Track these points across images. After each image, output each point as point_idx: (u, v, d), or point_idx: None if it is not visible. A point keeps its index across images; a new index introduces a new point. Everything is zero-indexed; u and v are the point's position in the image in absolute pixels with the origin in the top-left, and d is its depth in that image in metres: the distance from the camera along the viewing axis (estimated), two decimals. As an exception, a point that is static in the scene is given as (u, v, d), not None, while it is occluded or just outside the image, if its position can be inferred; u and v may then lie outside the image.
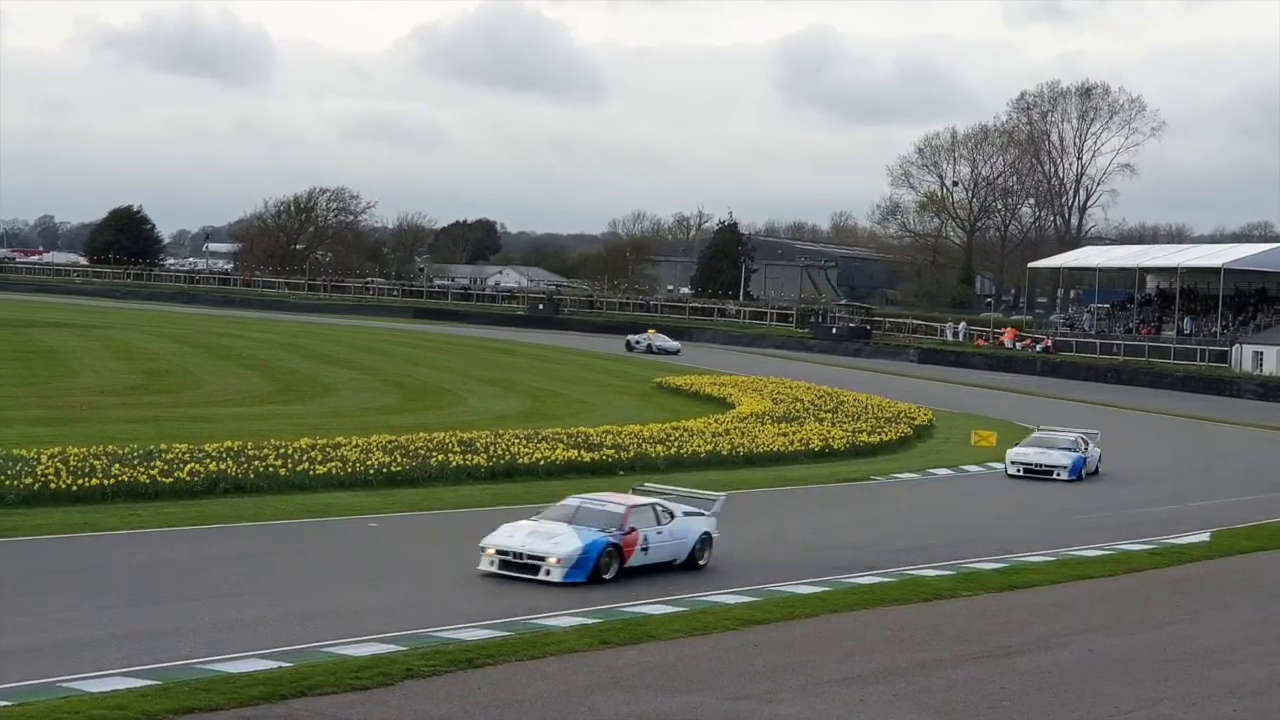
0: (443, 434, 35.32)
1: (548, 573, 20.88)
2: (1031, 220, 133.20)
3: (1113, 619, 21.73)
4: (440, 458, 32.09)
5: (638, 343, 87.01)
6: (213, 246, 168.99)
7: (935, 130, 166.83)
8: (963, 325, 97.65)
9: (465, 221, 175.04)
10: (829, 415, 47.81)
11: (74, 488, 25.43)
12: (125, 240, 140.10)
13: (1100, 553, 27.52)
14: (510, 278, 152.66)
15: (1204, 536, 30.14)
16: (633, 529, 21.80)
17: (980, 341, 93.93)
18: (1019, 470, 39.07)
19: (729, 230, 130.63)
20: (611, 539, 21.46)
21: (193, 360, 60.58)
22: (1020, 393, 69.18)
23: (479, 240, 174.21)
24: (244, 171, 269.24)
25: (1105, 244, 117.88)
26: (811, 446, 40.69)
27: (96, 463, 27.07)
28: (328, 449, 31.58)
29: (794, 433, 42.23)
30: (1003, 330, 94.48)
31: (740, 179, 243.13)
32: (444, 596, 20.09)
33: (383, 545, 23.91)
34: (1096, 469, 40.30)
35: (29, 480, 25.23)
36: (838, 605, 21.00)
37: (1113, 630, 20.88)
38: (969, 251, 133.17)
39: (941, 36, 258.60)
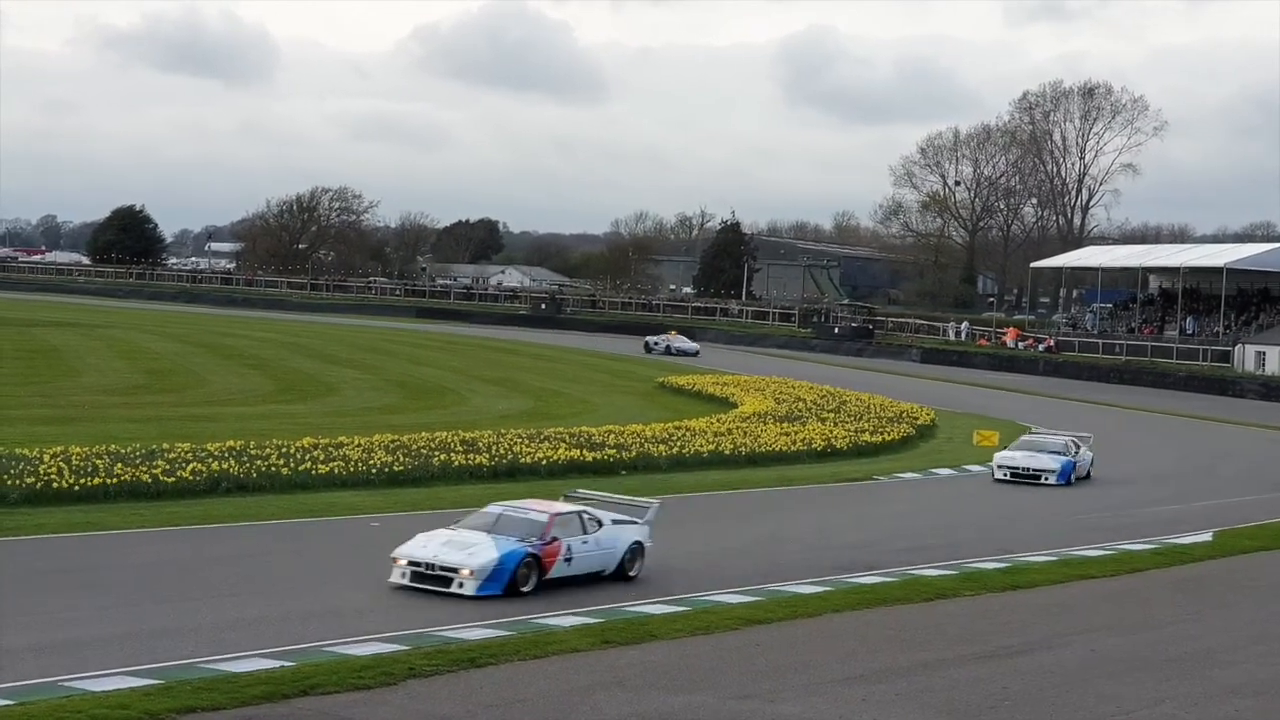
0: (445, 434, 35.32)
1: (460, 585, 19.71)
2: (1034, 220, 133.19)
3: (1115, 619, 21.73)
4: (443, 457, 32.09)
5: (657, 344, 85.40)
6: (215, 246, 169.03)
7: (937, 130, 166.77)
8: (965, 325, 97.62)
9: (468, 221, 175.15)
10: (831, 415, 47.80)
11: (76, 487, 25.44)
12: (128, 240, 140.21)
13: (1102, 552, 27.51)
14: (513, 277, 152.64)
15: (1206, 536, 30.12)
16: (555, 538, 20.64)
17: (983, 341, 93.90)
18: (1005, 474, 37.78)
19: (731, 230, 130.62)
20: (531, 549, 20.24)
21: (195, 360, 60.61)
22: (1023, 393, 69.16)
23: (481, 240, 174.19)
24: (246, 171, 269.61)
25: (1108, 244, 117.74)
26: (814, 446, 40.68)
27: (99, 462, 27.08)
28: (330, 448, 31.59)
29: (796, 432, 42.22)
30: (1005, 330, 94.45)
31: (742, 179, 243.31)
32: (445, 596, 20.07)
33: (384, 545, 23.87)
34: (1089, 473, 39.10)
35: (31, 479, 25.24)
36: (840, 605, 21.00)
37: (1115, 630, 20.88)
38: (971, 251, 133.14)
39: (942, 36, 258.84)
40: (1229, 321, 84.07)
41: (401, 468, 30.72)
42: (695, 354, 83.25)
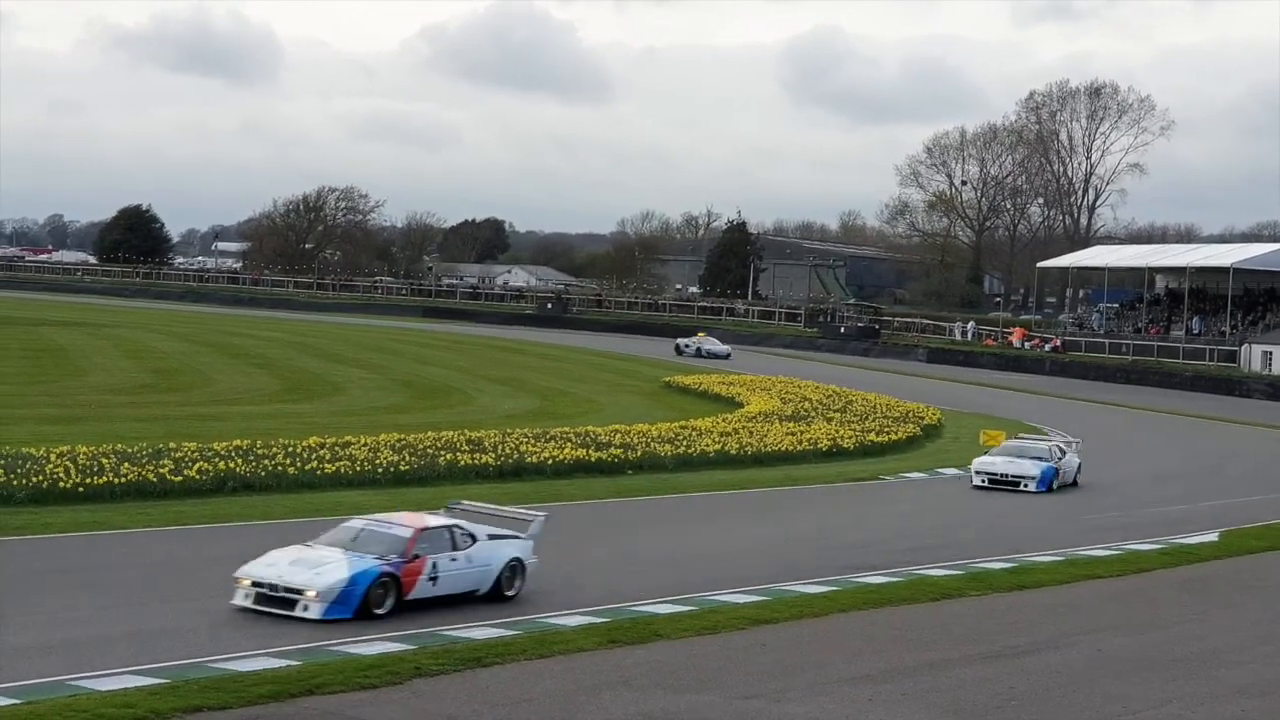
0: (451, 433, 35.33)
1: (305, 608, 17.87)
2: (1040, 220, 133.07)
3: (1121, 619, 21.72)
4: (449, 457, 32.09)
5: (687, 346, 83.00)
6: (222, 245, 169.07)
7: (944, 130, 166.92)
8: (971, 325, 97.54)
9: (474, 221, 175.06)
10: (837, 415, 47.79)
11: (83, 486, 25.46)
12: (134, 239, 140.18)
13: (1109, 552, 27.48)
14: (519, 277, 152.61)
15: (1213, 536, 30.09)
16: (418, 556, 18.79)
17: (989, 341, 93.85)
18: (983, 480, 36.12)
19: (737, 229, 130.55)
20: (388, 568, 18.42)
21: (202, 359, 60.65)
22: (1029, 393, 69.11)
23: (487, 239, 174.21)
24: (253, 171, 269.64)
25: (1114, 243, 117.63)
26: (820, 446, 40.64)
27: (105, 461, 27.09)
28: (336, 448, 31.60)
29: (802, 432, 42.20)
30: (1011, 330, 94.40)
31: (748, 179, 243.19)
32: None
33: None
34: (1075, 480, 37.42)
35: (38, 479, 25.25)
36: (846, 605, 21.00)
37: (1121, 630, 20.87)
38: (978, 251, 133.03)
39: (949, 36, 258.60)
40: (1235, 321, 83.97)
41: (408, 467, 30.73)
42: (727, 356, 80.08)
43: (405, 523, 19.51)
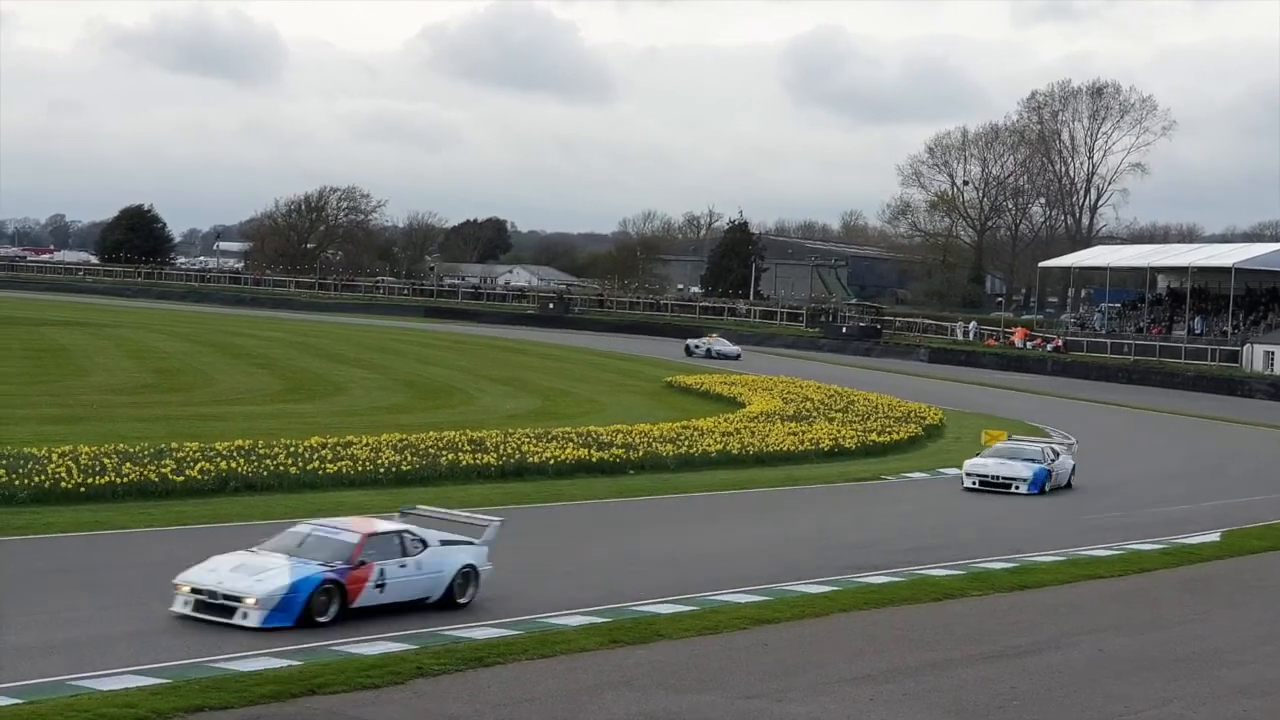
0: (453, 433, 35.33)
1: (244, 615, 17.37)
2: (1042, 219, 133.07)
3: (1123, 619, 21.71)
4: (450, 457, 32.09)
5: (697, 347, 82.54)
6: (223, 245, 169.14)
7: (945, 130, 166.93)
8: (973, 325, 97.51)
9: (475, 221, 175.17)
10: (839, 415, 47.78)
11: (84, 486, 25.48)
12: (136, 239, 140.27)
13: (1110, 552, 27.48)
14: (520, 277, 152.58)
15: (1215, 536, 30.07)
16: (364, 562, 18.31)
17: (991, 341, 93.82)
18: (974, 482, 35.59)
19: (739, 229, 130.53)
20: (332, 574, 17.91)
21: (203, 359, 60.67)
22: (1031, 392, 69.08)
23: (489, 239, 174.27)
24: (254, 171, 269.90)
25: (1116, 243, 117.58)
26: (822, 446, 40.63)
27: (107, 461, 27.11)
28: (338, 448, 31.61)
29: (804, 432, 42.19)
30: (1013, 330, 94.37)
31: (749, 179, 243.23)
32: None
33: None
34: (1069, 482, 36.91)
35: (40, 479, 25.27)
36: (848, 604, 20.99)
37: (1123, 630, 20.86)
38: (979, 251, 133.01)
39: (950, 36, 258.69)
40: (1237, 321, 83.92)
41: (409, 467, 30.73)
42: (737, 357, 79.63)
43: (352, 528, 19.03)
